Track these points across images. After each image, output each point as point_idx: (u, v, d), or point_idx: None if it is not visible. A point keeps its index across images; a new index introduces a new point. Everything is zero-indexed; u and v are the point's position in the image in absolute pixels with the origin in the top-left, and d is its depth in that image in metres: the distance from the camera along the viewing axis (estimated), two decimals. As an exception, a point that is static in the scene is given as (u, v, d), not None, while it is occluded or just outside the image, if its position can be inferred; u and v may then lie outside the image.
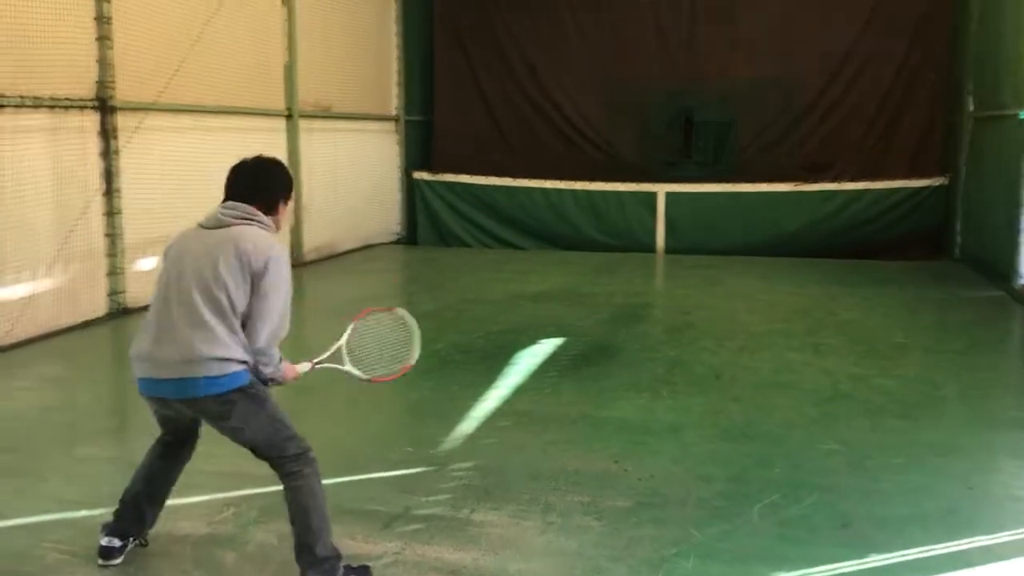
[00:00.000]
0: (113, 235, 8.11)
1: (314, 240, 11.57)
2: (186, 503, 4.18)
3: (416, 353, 3.90)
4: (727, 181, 12.79)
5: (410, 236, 14.06)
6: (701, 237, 12.56)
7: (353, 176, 12.64)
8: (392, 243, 13.72)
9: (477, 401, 5.75)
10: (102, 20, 7.88)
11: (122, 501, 3.67)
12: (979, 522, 3.99)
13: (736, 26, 13.60)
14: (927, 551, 3.72)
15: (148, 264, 8.63)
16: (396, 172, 13.97)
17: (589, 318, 8.23)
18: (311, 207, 11.43)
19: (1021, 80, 8.99)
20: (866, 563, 3.61)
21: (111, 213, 8.08)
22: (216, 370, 3.26)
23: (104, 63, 7.92)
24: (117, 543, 3.63)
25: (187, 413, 3.43)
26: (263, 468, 4.35)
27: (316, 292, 10.06)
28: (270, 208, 3.54)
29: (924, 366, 6.56)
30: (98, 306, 8.07)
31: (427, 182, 13.69)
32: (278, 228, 3.60)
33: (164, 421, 3.60)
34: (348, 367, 3.79)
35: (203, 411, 3.37)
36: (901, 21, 12.94)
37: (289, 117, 10.94)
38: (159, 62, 8.61)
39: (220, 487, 4.35)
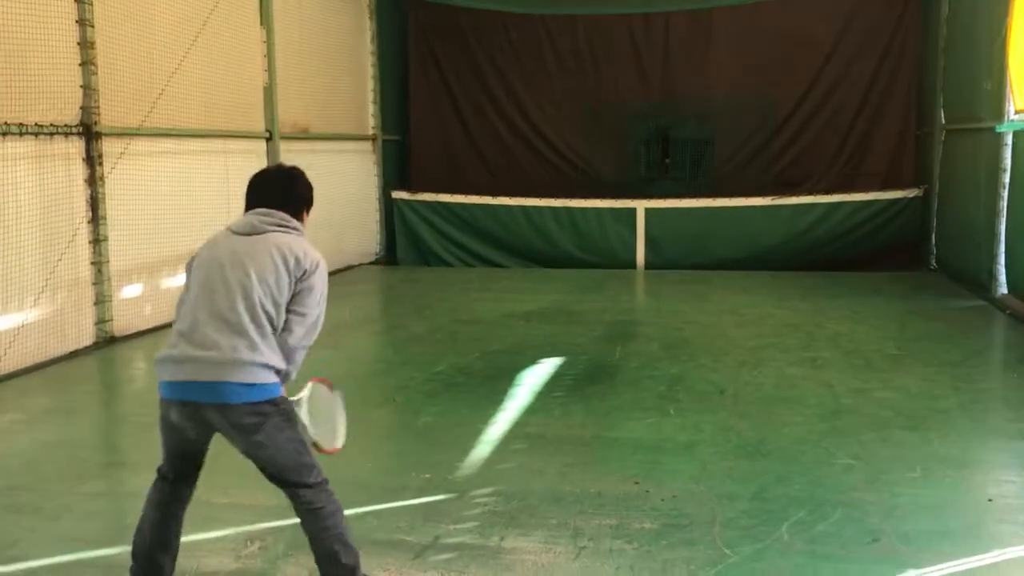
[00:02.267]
0: (99, 263, 7.97)
1: (296, 263, 11.44)
2: (209, 538, 4.12)
3: (341, 440, 3.64)
4: (704, 197, 12.90)
5: (390, 256, 14.00)
6: (681, 253, 12.65)
7: (333, 197, 12.53)
8: (372, 264, 13.65)
9: (487, 424, 5.71)
10: (85, 45, 7.77)
11: (135, 556, 3.51)
12: (1005, 535, 4.04)
13: (710, 45, 13.77)
14: (961, 564, 3.75)
15: (134, 291, 8.52)
16: (374, 192, 13.92)
17: (583, 336, 8.23)
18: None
19: (996, 94, 9.17)
20: (902, 580, 3.64)
21: (97, 240, 7.95)
22: (254, 377, 3.23)
23: (88, 88, 7.80)
24: None
25: (212, 424, 3.29)
26: (282, 499, 4.33)
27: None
28: (297, 217, 3.54)
29: (922, 378, 6.63)
30: (85, 336, 7.92)
31: (406, 202, 13.64)
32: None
33: (177, 442, 3.41)
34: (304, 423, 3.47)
35: (233, 421, 3.24)
36: (872, 37, 13.17)
37: (269, 139, 10.85)
38: (143, 86, 8.52)
39: (240, 521, 4.28)
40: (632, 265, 12.79)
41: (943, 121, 11.85)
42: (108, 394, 7.15)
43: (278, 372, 3.31)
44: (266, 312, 3.29)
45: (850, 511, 4.31)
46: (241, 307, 3.27)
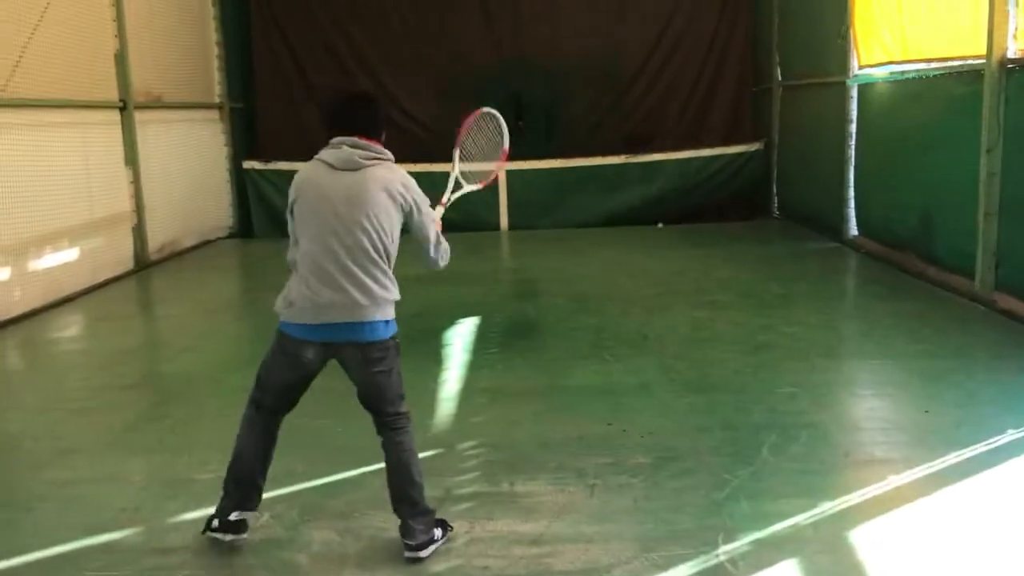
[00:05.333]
0: (-33, 246, 7.35)
1: (157, 238, 10.91)
2: (211, 513, 3.98)
3: (507, 138, 4.49)
4: (560, 157, 13.23)
5: (244, 229, 13.52)
6: (542, 212, 12.93)
7: (187, 168, 12.02)
8: (228, 238, 13.15)
9: (437, 383, 5.77)
10: (-63, 8, 7.10)
11: (238, 481, 3.67)
12: (954, 438, 4.50)
13: (558, 6, 14.07)
14: (932, 467, 4.18)
15: (6, 274, 7.90)
16: (224, 162, 13.38)
17: (487, 296, 8.37)
18: (152, 203, 10.76)
19: (845, 51, 9.92)
20: (887, 484, 4.03)
21: (-36, 221, 7.32)
22: (386, 314, 3.51)
23: (-56, 56, 7.14)
24: (247, 515, 3.69)
25: (344, 359, 3.53)
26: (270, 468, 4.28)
27: (188, 293, 9.52)
28: (383, 141, 3.64)
29: (817, 313, 7.21)
30: (-42, 324, 7.30)
31: (259, 171, 13.20)
32: None
33: (296, 378, 3.59)
34: (468, 187, 4.25)
35: (364, 355, 3.49)
36: (709, -1, 13.90)
37: (124, 109, 10.23)
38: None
39: (237, 494, 4.15)
40: (496, 227, 12.97)
41: (780, 78, 12.70)
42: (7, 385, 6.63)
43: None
44: (385, 249, 3.48)
45: (813, 431, 4.70)
46: (367, 247, 3.42)
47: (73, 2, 9.18)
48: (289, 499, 4.10)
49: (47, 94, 8.60)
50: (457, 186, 4.23)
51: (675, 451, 4.50)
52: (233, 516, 3.63)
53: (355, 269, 3.41)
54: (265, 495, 4.12)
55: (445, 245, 3.77)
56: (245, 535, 3.67)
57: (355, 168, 3.47)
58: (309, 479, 4.30)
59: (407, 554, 3.52)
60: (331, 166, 3.49)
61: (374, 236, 3.42)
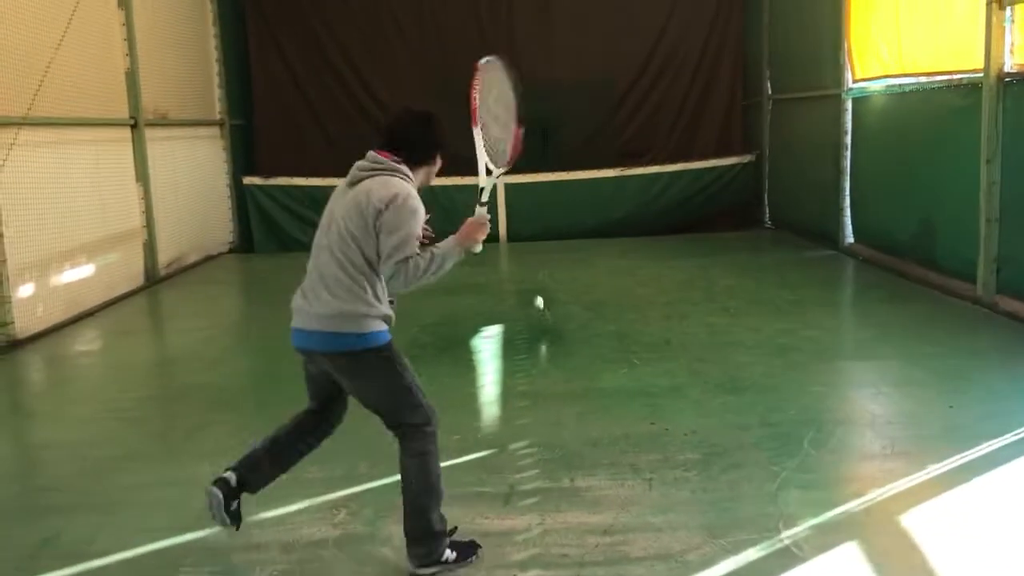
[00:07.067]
0: (-3, 262, 7.45)
1: (166, 254, 11.03)
2: (290, 511, 4.16)
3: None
4: (558, 171, 13.48)
5: (245, 244, 13.65)
6: (540, 225, 13.17)
7: (191, 184, 12.16)
8: (228, 253, 13.27)
9: (476, 388, 5.97)
10: (-34, 28, 7.22)
11: (252, 447, 3.78)
12: (981, 431, 4.76)
13: (552, 28, 14.41)
14: (962, 458, 4.44)
15: (30, 290, 8.00)
16: (225, 178, 13.51)
17: (503, 305, 8.58)
18: (161, 219, 10.88)
19: (839, 65, 10.27)
20: (927, 473, 4.28)
21: (-7, 238, 7.42)
22: (357, 327, 3.40)
23: (-29, 75, 7.25)
24: (232, 476, 3.70)
25: (327, 369, 3.52)
26: (337, 469, 4.47)
27: (202, 307, 9.64)
28: (413, 160, 3.59)
29: (830, 317, 7.51)
30: (-14, 341, 7.39)
31: (259, 187, 13.35)
32: (420, 183, 3.62)
33: (309, 379, 3.68)
34: (497, 171, 3.80)
35: (340, 368, 3.49)
36: (699, 16, 14.23)
37: (134, 126, 10.36)
38: (23, 75, 7.95)
39: (309, 494, 4.31)
40: (496, 239, 13.19)
41: (770, 92, 13.05)
42: (49, 396, 6.74)
43: (385, 318, 3.47)
44: (354, 264, 3.40)
45: (848, 427, 4.96)
46: (334, 262, 3.43)
47: (86, 21, 9.30)
48: (360, 497, 4.28)
49: (65, 112, 8.73)
50: (487, 172, 3.83)
51: (721, 447, 4.72)
52: (227, 474, 3.69)
53: (330, 280, 3.41)
54: (336, 494, 4.36)
55: (408, 277, 3.40)
56: (234, 527, 3.70)
57: (356, 181, 3.50)
58: (374, 479, 4.46)
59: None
60: (346, 182, 3.56)
61: (348, 249, 3.39)
